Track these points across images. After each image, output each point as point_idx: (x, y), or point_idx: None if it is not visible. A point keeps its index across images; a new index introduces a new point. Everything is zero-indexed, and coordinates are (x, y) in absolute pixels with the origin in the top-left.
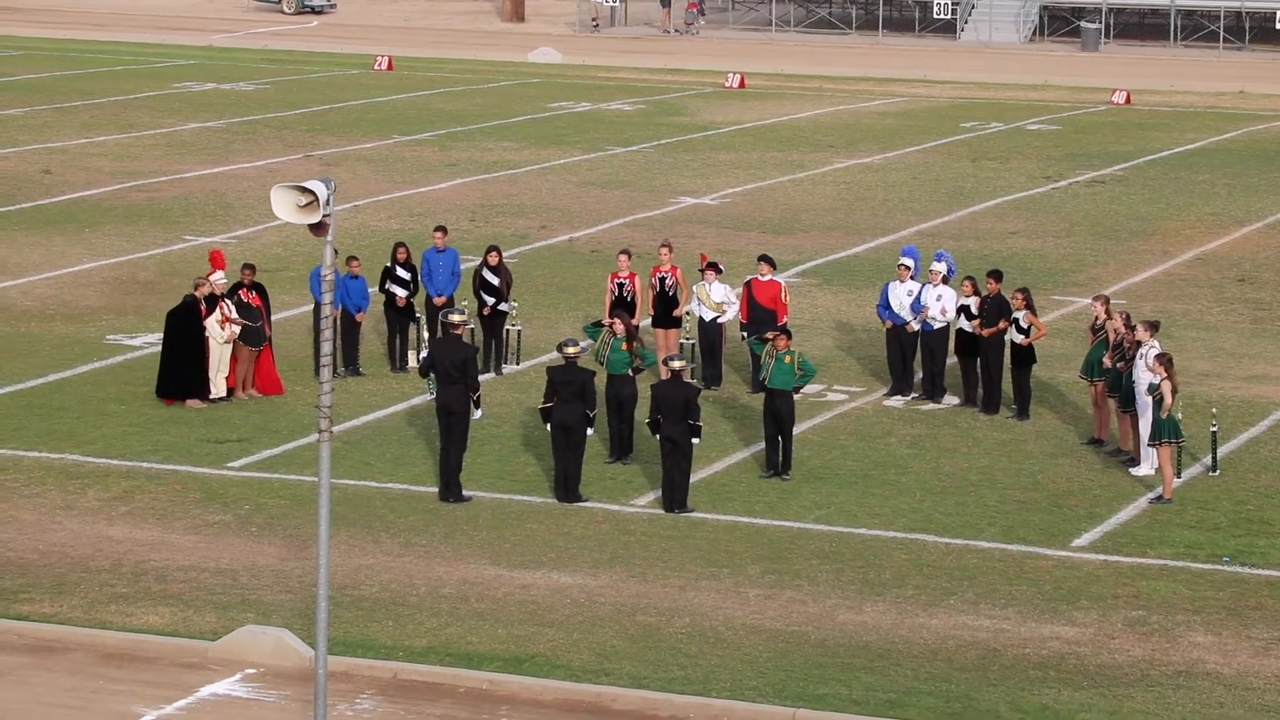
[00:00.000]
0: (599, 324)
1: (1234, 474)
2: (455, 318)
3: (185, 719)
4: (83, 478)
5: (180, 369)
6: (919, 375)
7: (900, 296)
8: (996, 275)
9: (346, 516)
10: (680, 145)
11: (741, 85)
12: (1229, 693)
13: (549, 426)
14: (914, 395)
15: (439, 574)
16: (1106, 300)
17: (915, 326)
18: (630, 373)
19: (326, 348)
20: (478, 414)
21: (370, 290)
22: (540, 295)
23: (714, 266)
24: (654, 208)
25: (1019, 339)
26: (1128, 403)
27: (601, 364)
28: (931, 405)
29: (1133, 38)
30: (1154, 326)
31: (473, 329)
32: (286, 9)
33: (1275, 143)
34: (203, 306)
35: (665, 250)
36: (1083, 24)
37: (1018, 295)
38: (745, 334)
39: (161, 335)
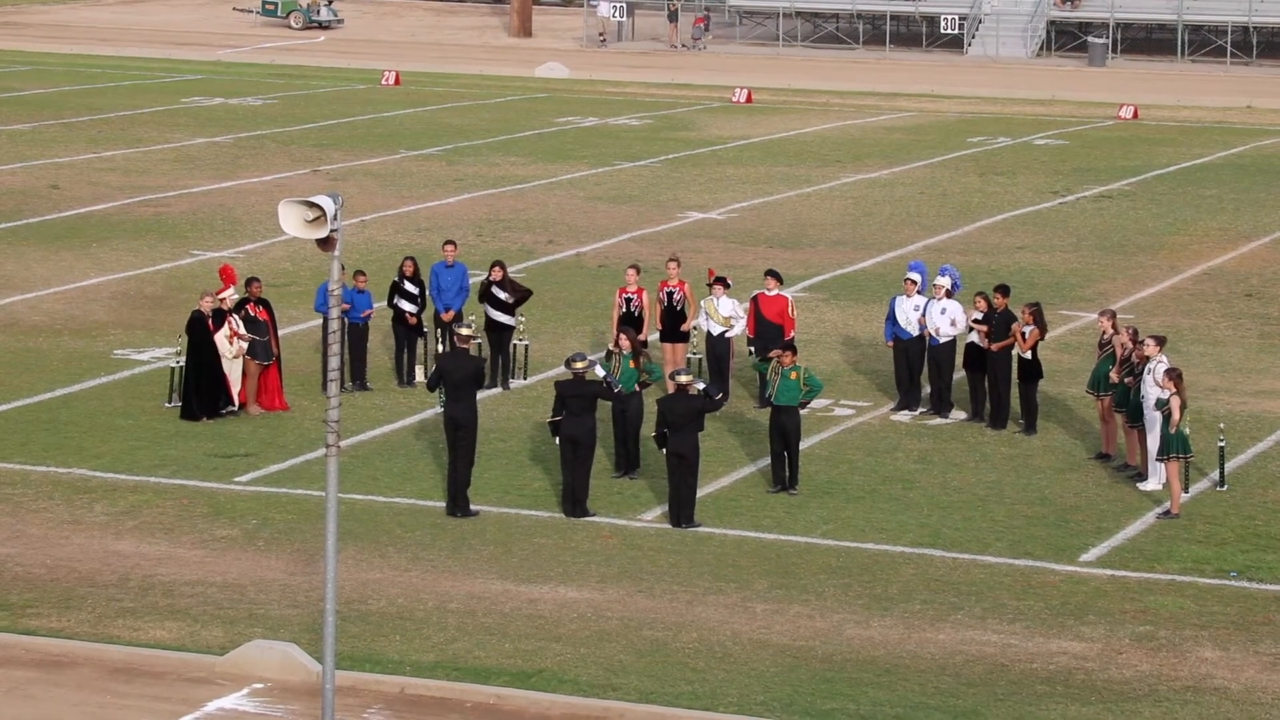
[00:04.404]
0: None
1: (1241, 489)
2: (464, 331)
3: None
4: (90, 492)
5: (200, 385)
6: (926, 390)
7: (907, 311)
8: (1004, 290)
9: (354, 531)
10: (687, 160)
11: (748, 100)
12: (1237, 708)
13: (557, 440)
14: (921, 410)
15: (446, 588)
16: (1113, 315)
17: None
18: (638, 387)
19: (334, 362)
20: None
21: (378, 304)
22: (547, 310)
23: (721, 281)
24: (661, 222)
25: (1021, 350)
26: (1135, 417)
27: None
28: (939, 420)
29: (1140, 53)
30: (1161, 341)
31: (480, 343)
32: (294, 24)
33: None
34: (210, 322)
35: (673, 265)
36: (1090, 39)
37: (1026, 310)
38: (752, 349)
39: (175, 351)
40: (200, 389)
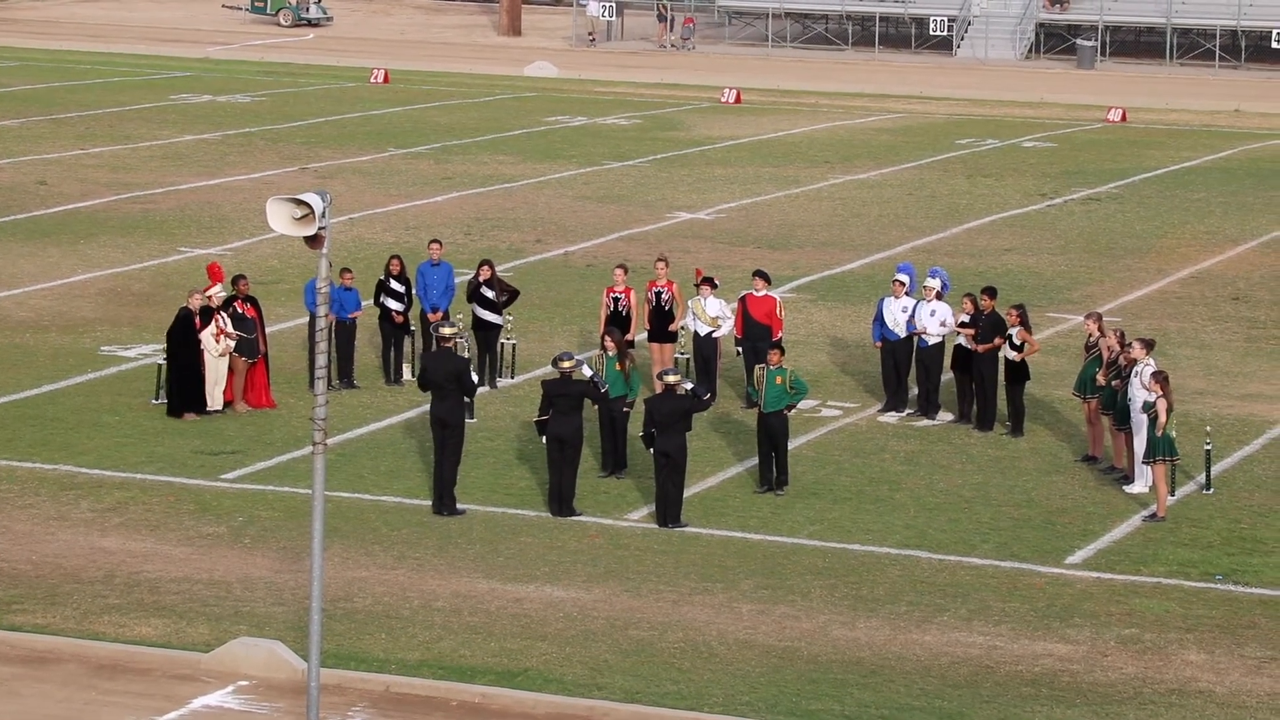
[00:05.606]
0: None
1: (1227, 492)
2: (447, 330)
3: None
4: (76, 489)
5: (182, 383)
6: (914, 391)
7: (895, 312)
8: (991, 292)
9: (340, 529)
10: (676, 160)
11: (738, 101)
12: (1221, 711)
13: (544, 440)
14: (908, 411)
15: (432, 587)
16: (1099, 318)
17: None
18: (626, 409)
19: (321, 360)
20: (471, 420)
21: (365, 303)
22: (535, 309)
23: (709, 281)
24: (649, 222)
25: (1012, 355)
26: (1122, 420)
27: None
28: (926, 421)
29: (1129, 56)
30: (1149, 344)
31: (466, 343)
32: (283, 22)
33: (1270, 161)
34: (197, 319)
35: (661, 265)
36: (1079, 41)
37: (1013, 312)
38: (740, 349)
39: (162, 348)
40: (181, 387)
